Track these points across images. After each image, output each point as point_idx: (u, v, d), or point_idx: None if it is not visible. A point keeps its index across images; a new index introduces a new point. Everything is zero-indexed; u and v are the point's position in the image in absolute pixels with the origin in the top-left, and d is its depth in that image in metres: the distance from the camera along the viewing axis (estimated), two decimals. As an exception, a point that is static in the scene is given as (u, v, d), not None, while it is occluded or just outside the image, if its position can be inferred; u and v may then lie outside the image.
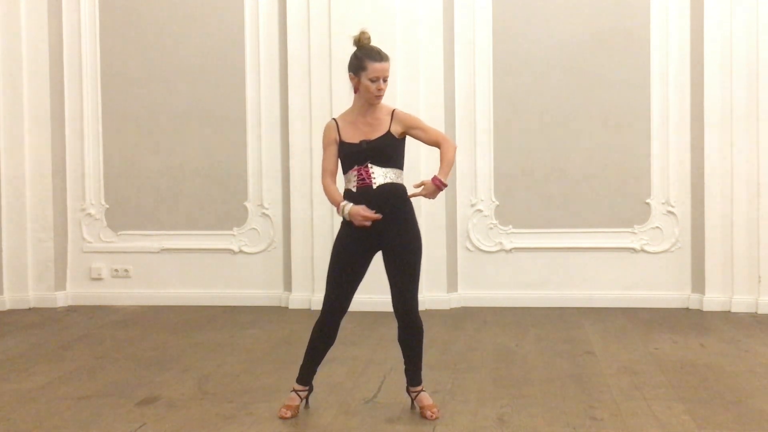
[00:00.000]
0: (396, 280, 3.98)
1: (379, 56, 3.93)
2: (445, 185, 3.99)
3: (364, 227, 3.92)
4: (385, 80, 3.94)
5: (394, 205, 3.97)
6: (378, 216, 3.90)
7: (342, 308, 4.02)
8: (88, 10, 7.27)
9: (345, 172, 4.04)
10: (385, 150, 3.97)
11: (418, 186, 4.03)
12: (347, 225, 4.02)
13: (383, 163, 3.96)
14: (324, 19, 6.77)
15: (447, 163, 4.00)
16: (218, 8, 7.19)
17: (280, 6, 7.04)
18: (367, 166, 3.96)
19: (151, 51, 7.27)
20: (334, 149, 4.04)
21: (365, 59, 3.93)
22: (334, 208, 4.10)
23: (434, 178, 3.97)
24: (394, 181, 3.98)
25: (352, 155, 3.98)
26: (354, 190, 3.97)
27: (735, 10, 6.55)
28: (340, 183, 4.05)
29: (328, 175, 4.07)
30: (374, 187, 3.94)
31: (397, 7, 6.76)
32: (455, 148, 4.07)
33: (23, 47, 7.10)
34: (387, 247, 3.99)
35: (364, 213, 3.89)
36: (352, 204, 3.94)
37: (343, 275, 3.99)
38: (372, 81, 3.92)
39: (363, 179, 3.95)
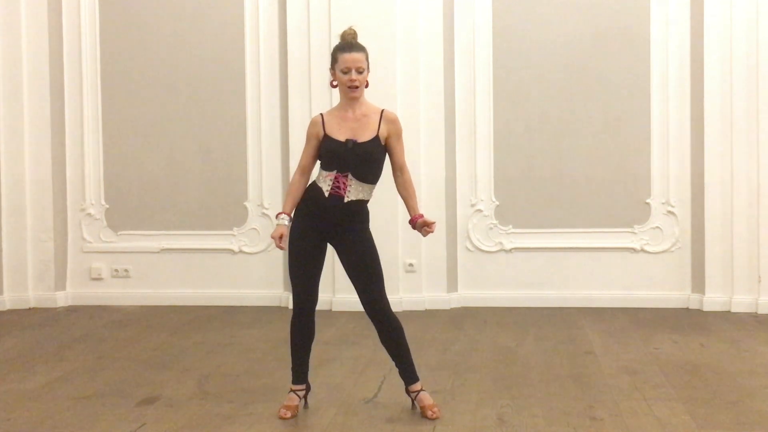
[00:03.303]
0: (362, 284, 3.99)
1: (349, 47, 3.93)
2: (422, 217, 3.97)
3: (325, 221, 3.97)
4: (359, 71, 3.91)
5: (353, 221, 3.98)
6: (283, 248, 4.06)
7: (311, 300, 4.05)
8: (88, 11, 7.27)
9: (323, 167, 4.02)
10: (369, 159, 3.94)
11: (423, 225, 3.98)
12: (298, 222, 4.03)
13: (364, 178, 3.95)
14: (324, 20, 6.77)
15: (414, 196, 4.05)
16: (218, 8, 7.19)
17: (280, 6, 7.04)
18: (346, 176, 3.94)
19: (151, 51, 7.27)
20: (314, 145, 4.04)
21: (336, 51, 3.97)
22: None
23: (416, 217, 3.97)
24: (364, 199, 3.98)
25: (336, 154, 3.94)
26: (326, 194, 3.95)
27: (735, 10, 6.55)
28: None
29: (300, 170, 4.09)
30: (345, 200, 3.95)
31: (397, 7, 6.76)
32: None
33: (23, 48, 7.09)
34: (342, 249, 4.02)
35: (280, 243, 4.02)
36: (286, 224, 4.01)
37: (304, 269, 4.02)
38: (344, 72, 3.92)
39: (338, 187, 3.94)
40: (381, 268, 4.01)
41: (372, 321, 4.04)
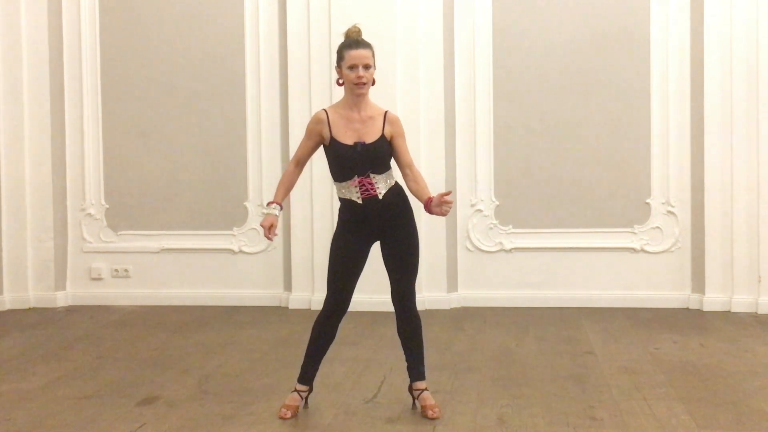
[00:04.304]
0: (397, 274, 4.02)
1: (356, 44, 3.92)
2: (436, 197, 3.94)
3: (374, 213, 3.95)
4: (366, 68, 3.90)
5: (397, 207, 4.00)
6: (272, 239, 3.98)
7: (345, 304, 4.04)
8: (88, 11, 7.26)
9: (340, 179, 4.00)
10: (380, 156, 3.96)
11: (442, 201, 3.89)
12: (345, 222, 4.04)
13: (382, 170, 3.97)
14: (324, 20, 6.77)
15: (425, 186, 4.02)
16: (218, 8, 7.19)
17: (280, 6, 7.04)
18: (369, 176, 3.94)
19: (151, 51, 7.27)
20: (315, 140, 4.02)
21: (343, 49, 3.95)
22: (336, 206, 4.11)
23: (428, 200, 3.92)
24: (393, 185, 4.01)
25: (347, 160, 3.94)
26: (359, 201, 3.95)
27: (735, 10, 6.54)
28: (322, 182, 4.04)
29: (294, 162, 4.09)
30: (380, 197, 3.96)
31: (397, 7, 6.76)
32: None
33: (23, 47, 7.09)
34: (386, 242, 4.02)
35: (269, 234, 3.94)
36: (276, 214, 3.96)
37: (346, 271, 4.00)
38: (351, 69, 3.90)
39: (367, 191, 3.95)
40: (418, 264, 4.06)
41: (396, 311, 4.06)
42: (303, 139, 4.07)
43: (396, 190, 4.02)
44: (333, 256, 4.05)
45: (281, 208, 4.04)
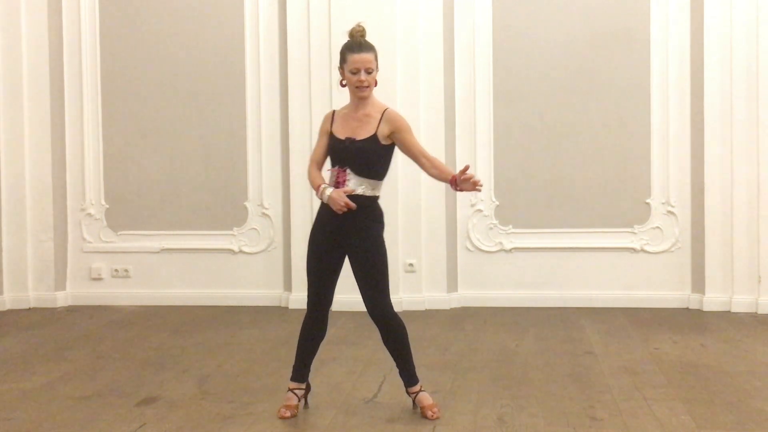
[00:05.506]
0: (364, 288, 4.00)
1: (359, 47, 3.91)
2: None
3: (335, 220, 3.92)
4: (368, 72, 3.89)
5: (357, 216, 3.92)
6: (353, 205, 3.86)
7: (326, 300, 4.06)
8: (88, 11, 7.26)
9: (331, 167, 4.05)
10: (367, 156, 3.92)
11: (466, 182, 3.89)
12: (318, 219, 4.04)
13: (362, 172, 3.93)
14: (324, 20, 6.77)
15: (444, 166, 4.05)
16: (218, 8, 7.19)
17: (280, 6, 7.04)
18: (345, 170, 3.94)
19: (151, 51, 7.27)
20: (324, 141, 4.04)
21: (345, 51, 3.94)
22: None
23: (453, 178, 3.92)
24: (366, 194, 3.94)
25: (337, 151, 3.98)
26: None
27: (735, 11, 6.55)
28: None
29: (314, 164, 4.07)
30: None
31: (397, 7, 6.76)
32: None
33: (23, 47, 7.10)
34: (351, 256, 4.01)
35: (345, 199, 3.85)
36: (333, 188, 3.92)
37: (320, 267, 4.02)
38: (352, 73, 3.90)
39: (337, 182, 3.94)
40: (385, 271, 4.00)
41: (375, 323, 4.05)
42: (317, 142, 4.11)
43: (367, 202, 3.94)
44: (309, 256, 4.07)
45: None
